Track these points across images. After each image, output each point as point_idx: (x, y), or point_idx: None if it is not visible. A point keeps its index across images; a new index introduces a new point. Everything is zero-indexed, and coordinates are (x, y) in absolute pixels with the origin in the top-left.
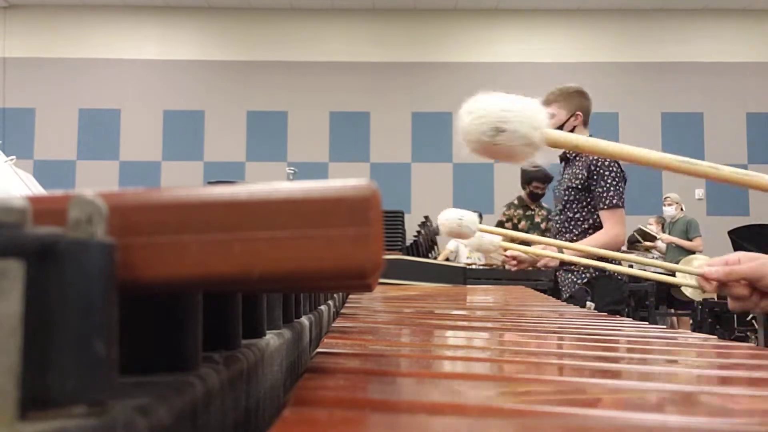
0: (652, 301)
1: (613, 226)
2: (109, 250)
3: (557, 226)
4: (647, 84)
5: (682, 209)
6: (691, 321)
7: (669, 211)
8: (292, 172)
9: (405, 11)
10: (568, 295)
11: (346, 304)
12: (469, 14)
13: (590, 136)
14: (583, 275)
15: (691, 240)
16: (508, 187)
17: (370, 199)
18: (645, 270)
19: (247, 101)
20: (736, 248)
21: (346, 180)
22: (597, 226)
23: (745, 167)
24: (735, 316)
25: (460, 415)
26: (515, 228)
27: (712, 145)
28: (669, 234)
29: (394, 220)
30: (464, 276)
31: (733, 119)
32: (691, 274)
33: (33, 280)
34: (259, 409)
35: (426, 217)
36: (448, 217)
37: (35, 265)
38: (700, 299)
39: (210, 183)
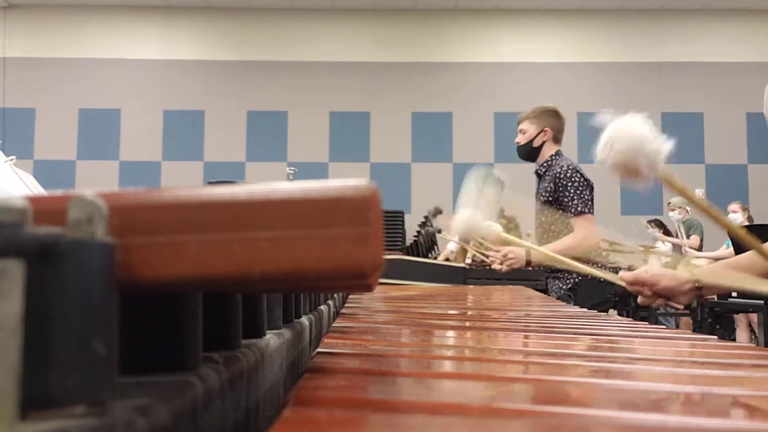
0: None
1: (580, 230)
2: (109, 250)
3: (538, 235)
4: (647, 84)
5: (687, 211)
6: (691, 321)
7: (674, 216)
8: (292, 172)
9: (405, 11)
10: (556, 298)
11: (346, 304)
12: (469, 14)
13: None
14: (568, 281)
15: (688, 238)
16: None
17: (370, 199)
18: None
19: (247, 101)
20: (735, 247)
21: (346, 180)
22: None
23: (744, 167)
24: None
25: (460, 415)
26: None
27: (712, 145)
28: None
29: (394, 220)
30: (464, 276)
31: (733, 119)
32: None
33: (33, 280)
34: (259, 409)
35: (426, 217)
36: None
37: (35, 265)
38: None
39: (210, 183)
